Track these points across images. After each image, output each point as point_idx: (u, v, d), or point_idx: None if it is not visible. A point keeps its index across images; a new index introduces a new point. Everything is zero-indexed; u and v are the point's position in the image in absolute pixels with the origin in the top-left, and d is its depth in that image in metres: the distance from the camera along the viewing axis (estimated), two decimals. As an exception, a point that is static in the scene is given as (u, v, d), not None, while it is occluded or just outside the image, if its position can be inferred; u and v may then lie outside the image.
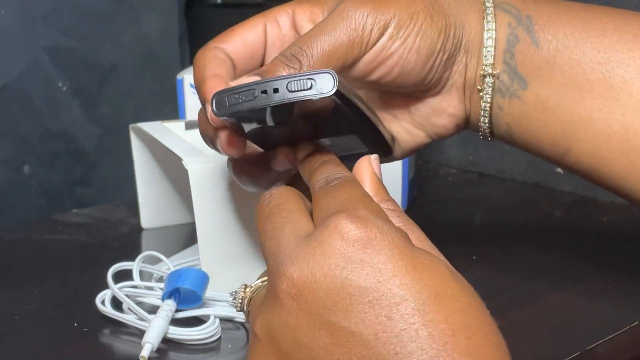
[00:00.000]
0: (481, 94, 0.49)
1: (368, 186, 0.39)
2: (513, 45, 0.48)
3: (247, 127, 0.42)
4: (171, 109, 0.90)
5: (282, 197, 0.38)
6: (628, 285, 0.59)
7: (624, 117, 0.47)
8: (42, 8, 0.86)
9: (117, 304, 0.54)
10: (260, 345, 0.34)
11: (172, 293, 0.52)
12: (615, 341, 0.52)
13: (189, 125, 0.68)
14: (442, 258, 0.35)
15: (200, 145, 0.62)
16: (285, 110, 0.40)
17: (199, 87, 0.43)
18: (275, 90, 0.38)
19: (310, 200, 0.38)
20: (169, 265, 0.57)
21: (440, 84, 0.49)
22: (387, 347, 0.31)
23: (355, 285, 0.32)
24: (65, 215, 0.77)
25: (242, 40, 0.46)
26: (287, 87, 0.38)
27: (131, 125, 0.69)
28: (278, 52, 0.46)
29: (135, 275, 0.56)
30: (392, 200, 0.38)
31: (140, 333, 0.51)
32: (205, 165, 0.56)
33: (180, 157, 0.57)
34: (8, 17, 0.84)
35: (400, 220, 0.37)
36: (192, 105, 0.75)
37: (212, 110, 0.40)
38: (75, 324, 0.54)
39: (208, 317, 0.53)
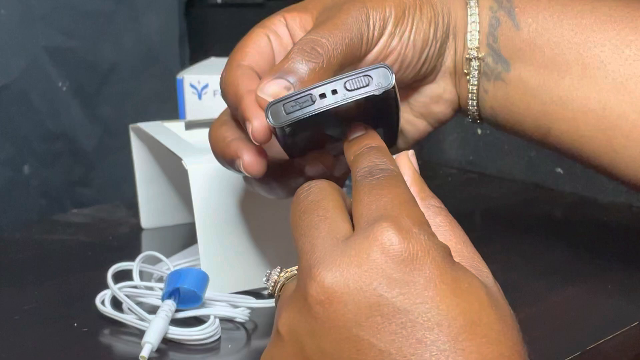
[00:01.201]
0: (468, 77, 0.50)
1: (410, 182, 0.37)
2: (495, 29, 0.50)
3: (288, 137, 0.41)
4: (171, 109, 0.90)
5: (320, 193, 0.36)
6: (628, 285, 0.59)
7: (600, 96, 0.48)
8: (42, 8, 0.86)
9: (117, 304, 0.54)
10: (282, 343, 0.34)
11: (172, 293, 0.52)
12: (615, 341, 0.52)
13: (189, 125, 0.68)
14: (485, 270, 0.35)
15: (200, 145, 0.62)
16: (336, 112, 0.39)
17: (237, 106, 0.42)
18: (334, 92, 0.38)
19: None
20: (168, 265, 0.57)
21: (435, 71, 0.50)
22: None
23: (390, 304, 0.31)
24: (65, 215, 0.77)
25: (258, 53, 0.46)
26: (345, 86, 0.38)
27: (131, 125, 0.69)
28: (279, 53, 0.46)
29: (135, 275, 0.56)
30: (436, 197, 0.37)
31: (140, 333, 0.51)
32: (205, 165, 0.56)
33: (180, 157, 0.57)
34: (8, 17, 0.84)
35: (445, 220, 0.36)
36: (192, 105, 0.75)
37: (269, 121, 0.39)
38: (75, 324, 0.54)
39: (208, 317, 0.53)
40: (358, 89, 0.38)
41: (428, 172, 0.92)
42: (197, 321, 0.53)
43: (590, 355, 0.50)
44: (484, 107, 0.51)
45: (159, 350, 0.50)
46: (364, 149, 0.39)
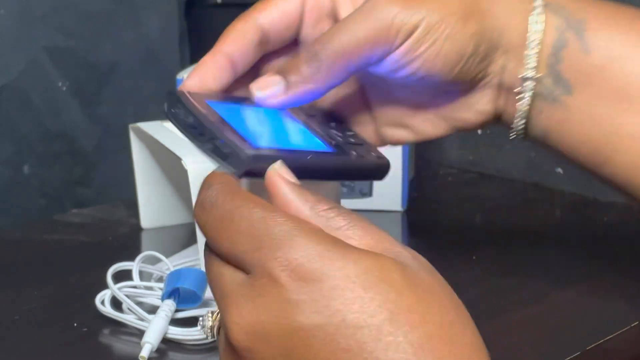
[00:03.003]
0: (520, 95, 0.47)
1: (291, 197, 0.34)
2: (560, 50, 0.46)
3: None
4: (171, 109, 0.90)
5: (207, 256, 0.35)
6: (628, 285, 0.59)
7: None
8: (42, 8, 0.86)
9: (117, 304, 0.54)
10: None
11: (172, 293, 0.52)
12: (615, 341, 0.52)
13: (189, 125, 0.68)
14: (400, 249, 0.34)
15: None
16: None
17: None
18: (206, 140, 0.40)
19: None
20: (168, 265, 0.57)
21: (471, 83, 0.47)
22: None
23: (307, 325, 0.31)
24: (65, 215, 0.77)
25: (278, 10, 0.45)
26: (215, 143, 0.39)
27: (131, 125, 0.69)
28: (314, 24, 0.46)
29: (135, 275, 0.56)
30: (323, 199, 0.35)
31: (140, 333, 0.51)
32: (205, 165, 0.56)
33: (180, 157, 0.57)
34: (8, 17, 0.84)
35: (341, 219, 0.34)
36: (192, 105, 0.74)
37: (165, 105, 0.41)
38: (75, 324, 0.54)
39: (208, 317, 0.53)
40: (217, 154, 0.39)
41: (428, 172, 0.92)
42: (197, 321, 0.53)
43: (590, 355, 0.50)
44: (535, 127, 0.48)
45: (158, 350, 0.50)
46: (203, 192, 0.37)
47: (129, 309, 0.53)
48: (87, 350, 0.51)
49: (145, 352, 0.48)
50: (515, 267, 0.63)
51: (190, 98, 0.40)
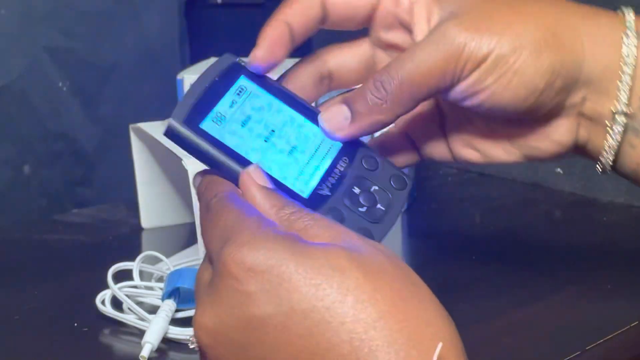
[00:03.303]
0: (609, 129, 0.44)
1: (259, 200, 0.37)
2: None
3: None
4: (171, 109, 0.90)
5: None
6: (628, 285, 0.59)
7: None
8: (42, 8, 0.86)
9: (117, 304, 0.54)
10: None
11: (172, 293, 0.52)
12: (615, 341, 0.52)
13: (189, 125, 0.68)
14: (354, 240, 0.34)
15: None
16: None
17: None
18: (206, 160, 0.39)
19: None
20: (169, 265, 0.57)
21: (546, 114, 0.45)
22: None
23: (260, 315, 0.32)
24: (65, 215, 0.77)
25: None
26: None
27: (131, 125, 0.69)
28: (386, 29, 0.45)
29: (135, 275, 0.56)
30: (290, 203, 0.37)
31: (140, 333, 0.51)
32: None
33: (180, 157, 0.57)
34: (8, 17, 0.84)
35: (306, 222, 0.35)
36: (192, 105, 0.74)
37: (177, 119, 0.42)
38: (75, 324, 0.54)
39: (208, 317, 0.53)
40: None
41: (428, 172, 0.92)
42: (197, 321, 0.53)
43: (590, 355, 0.50)
44: (626, 162, 0.45)
45: (159, 350, 0.50)
46: (200, 192, 0.39)
47: (129, 308, 0.53)
48: (87, 350, 0.51)
49: (145, 351, 0.48)
50: (515, 267, 0.63)
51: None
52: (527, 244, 0.69)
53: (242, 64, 0.42)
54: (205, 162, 0.39)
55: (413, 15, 0.44)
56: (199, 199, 0.39)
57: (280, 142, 0.40)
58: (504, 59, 0.41)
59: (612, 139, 0.44)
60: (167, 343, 0.51)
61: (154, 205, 0.72)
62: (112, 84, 0.94)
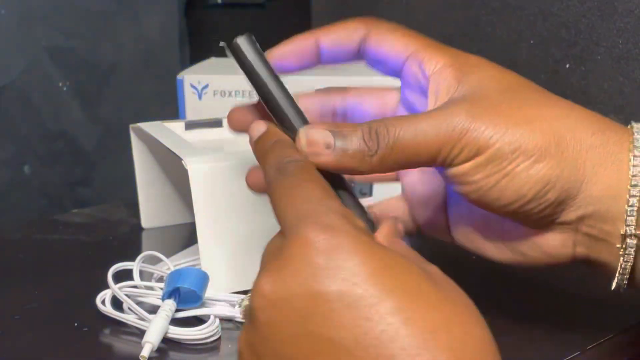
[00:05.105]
0: (621, 251, 0.42)
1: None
2: None
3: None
4: (171, 109, 0.90)
5: None
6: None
7: None
8: (42, 8, 0.86)
9: (117, 303, 0.54)
10: (242, 358, 0.35)
11: (172, 293, 0.52)
12: (614, 341, 0.52)
13: (189, 125, 0.68)
14: (410, 254, 0.36)
15: (201, 145, 0.62)
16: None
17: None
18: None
19: None
20: (169, 265, 0.57)
21: (537, 225, 0.43)
22: (368, 350, 0.31)
23: (331, 290, 0.32)
24: (66, 215, 0.77)
25: (387, 44, 0.45)
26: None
27: (131, 125, 0.69)
28: (409, 91, 0.46)
29: (136, 275, 0.56)
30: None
31: (140, 333, 0.51)
32: (206, 165, 0.56)
33: (180, 157, 0.57)
34: (8, 17, 0.84)
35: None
36: (192, 105, 0.75)
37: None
38: (75, 324, 0.54)
39: (208, 317, 0.53)
40: None
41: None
42: (197, 321, 0.53)
43: (590, 355, 0.50)
44: None
45: (159, 350, 0.50)
46: (268, 145, 0.40)
47: (129, 308, 0.53)
48: (87, 350, 0.51)
49: (145, 351, 0.48)
50: (515, 267, 0.63)
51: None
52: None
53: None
54: (265, 92, 0.41)
55: (429, 82, 0.44)
56: (265, 154, 0.39)
57: None
58: (500, 159, 0.40)
59: (625, 261, 0.42)
60: (167, 343, 0.51)
61: (154, 205, 0.72)
62: (112, 84, 0.94)
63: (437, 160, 0.41)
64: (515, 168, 0.40)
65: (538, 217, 0.42)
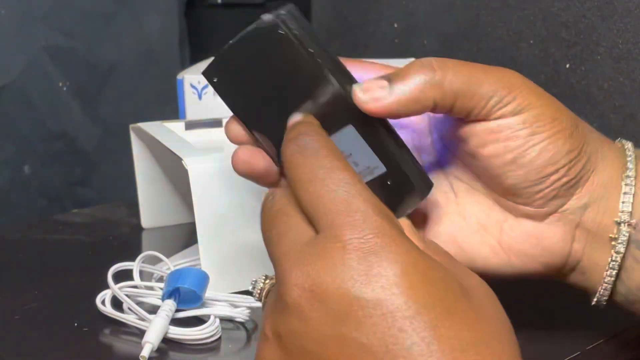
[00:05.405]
0: (613, 242, 0.43)
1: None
2: None
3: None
4: (171, 109, 0.90)
5: (282, 200, 0.37)
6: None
7: None
8: (42, 8, 0.86)
9: (117, 304, 0.54)
10: (269, 345, 0.34)
11: (172, 293, 0.52)
12: (614, 341, 0.52)
13: (189, 125, 0.69)
14: (450, 262, 0.36)
15: (201, 145, 0.62)
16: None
17: None
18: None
19: None
20: (169, 265, 0.57)
21: (545, 209, 0.43)
22: None
23: (369, 298, 0.32)
24: (66, 215, 0.77)
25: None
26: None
27: (131, 125, 0.69)
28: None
29: (136, 275, 0.56)
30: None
31: (140, 333, 0.51)
32: (206, 165, 0.56)
33: (180, 157, 0.57)
34: (8, 17, 0.84)
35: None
36: (192, 105, 0.75)
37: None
38: (75, 324, 0.54)
39: (208, 317, 0.53)
40: None
41: (428, 172, 0.92)
42: (197, 321, 0.53)
43: (590, 355, 0.50)
44: (633, 278, 0.44)
45: (159, 350, 0.50)
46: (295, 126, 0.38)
47: (129, 308, 0.53)
48: (87, 350, 0.51)
49: (145, 351, 0.48)
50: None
51: None
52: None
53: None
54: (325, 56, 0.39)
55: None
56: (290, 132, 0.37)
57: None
58: (544, 120, 0.41)
59: (615, 251, 0.43)
60: (168, 343, 0.51)
61: (154, 205, 0.72)
62: (112, 84, 0.94)
63: (486, 106, 0.40)
64: (557, 134, 0.41)
65: (553, 195, 0.42)
